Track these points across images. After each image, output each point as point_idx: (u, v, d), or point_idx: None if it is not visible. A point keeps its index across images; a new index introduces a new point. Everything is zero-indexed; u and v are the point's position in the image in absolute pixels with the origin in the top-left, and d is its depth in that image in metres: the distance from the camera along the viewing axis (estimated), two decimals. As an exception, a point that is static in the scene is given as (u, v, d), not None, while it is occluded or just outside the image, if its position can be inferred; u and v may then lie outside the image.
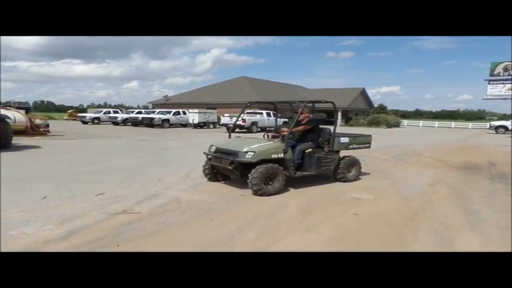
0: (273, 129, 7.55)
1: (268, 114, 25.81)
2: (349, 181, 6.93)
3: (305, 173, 6.37)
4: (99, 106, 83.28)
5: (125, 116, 31.56)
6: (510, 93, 41.09)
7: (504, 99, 42.21)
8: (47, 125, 17.12)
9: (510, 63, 41.02)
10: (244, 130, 23.49)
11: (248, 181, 5.59)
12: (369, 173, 7.93)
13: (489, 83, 42.06)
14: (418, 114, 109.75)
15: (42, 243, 3.52)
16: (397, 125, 41.01)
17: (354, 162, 7.22)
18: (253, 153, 5.68)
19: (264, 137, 7.15)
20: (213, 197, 5.54)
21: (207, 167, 6.67)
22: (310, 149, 6.48)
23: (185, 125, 29.16)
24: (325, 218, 4.57)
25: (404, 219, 4.57)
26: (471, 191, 6.36)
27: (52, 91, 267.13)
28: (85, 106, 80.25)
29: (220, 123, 25.64)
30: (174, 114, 29.21)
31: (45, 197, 5.25)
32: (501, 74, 41.34)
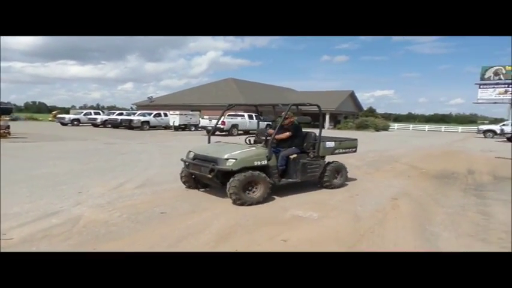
0: (255, 133, 7.33)
1: (250, 117, 24.91)
2: (336, 188, 6.59)
3: (290, 180, 5.96)
4: (92, 107, 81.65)
5: (105, 117, 30.47)
6: (500, 98, 40.71)
7: (494, 103, 41.81)
8: (8, 127, 16.12)
9: (501, 67, 40.62)
10: (224, 133, 22.58)
11: (227, 190, 5.19)
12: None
13: (480, 87, 41.65)
14: (411, 118, 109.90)
15: None
16: (385, 128, 40.22)
17: (340, 168, 6.84)
18: (234, 161, 5.26)
19: (245, 141, 6.73)
20: (125, 215, 4.62)
21: (184, 174, 6.17)
22: (294, 155, 6.07)
23: (167, 127, 28.17)
24: (243, 246, 3.66)
25: (340, 249, 3.67)
26: (437, 207, 5.49)
27: (46, 92, 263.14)
28: (77, 107, 78.69)
29: (200, 125, 24.70)
30: (154, 116, 28.21)
31: None
32: (491, 78, 40.94)
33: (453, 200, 6.04)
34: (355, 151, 7.47)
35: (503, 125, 29.79)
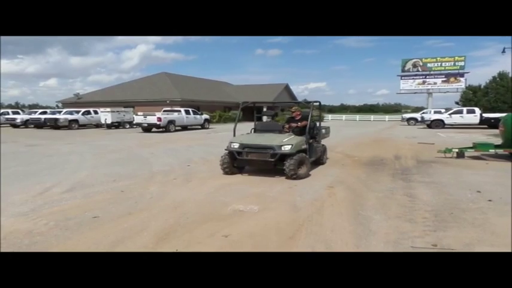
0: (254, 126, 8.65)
1: (187, 112, 24.36)
2: (324, 164, 8.58)
3: (311, 159, 7.49)
4: (10, 106, 74.02)
5: (26, 117, 27.91)
6: (419, 88, 44.45)
7: (415, 93, 45.54)
8: None
9: (418, 60, 44.27)
10: (161, 130, 21.81)
11: (286, 168, 6.63)
12: (270, 175, 7.13)
13: (401, 79, 45.08)
14: (343, 109, 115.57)
15: None
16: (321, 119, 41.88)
17: (325, 149, 8.96)
18: (291, 146, 6.76)
19: (250, 131, 8.32)
20: (52, 222, 4.25)
21: (226, 161, 7.21)
22: (311, 140, 7.72)
23: (99, 125, 26.55)
24: (184, 245, 3.56)
25: (280, 240, 3.72)
26: (369, 192, 5.82)
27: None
28: (-9, 107, 70.60)
29: (134, 122, 23.61)
30: (83, 113, 26.43)
31: None
32: (411, 70, 44.50)
33: (383, 184, 6.45)
34: (328, 136, 9.69)
35: (423, 112, 32.66)
